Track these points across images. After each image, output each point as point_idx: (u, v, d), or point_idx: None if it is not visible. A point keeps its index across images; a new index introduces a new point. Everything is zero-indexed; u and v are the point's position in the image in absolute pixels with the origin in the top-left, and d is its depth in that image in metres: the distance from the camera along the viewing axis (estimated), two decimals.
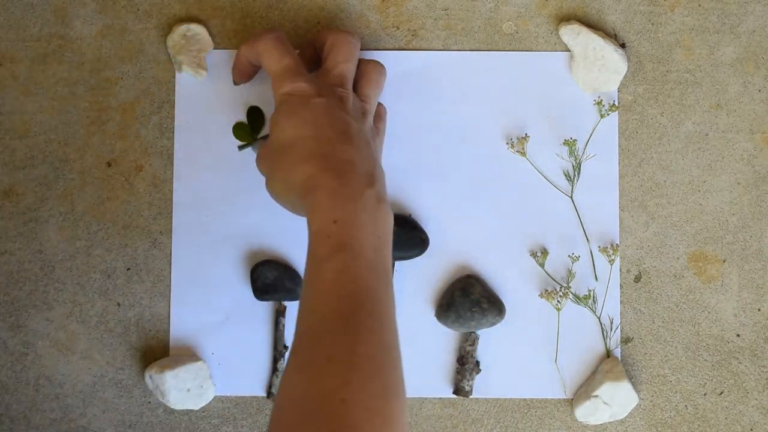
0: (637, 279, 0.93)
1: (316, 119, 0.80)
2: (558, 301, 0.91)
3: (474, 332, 0.91)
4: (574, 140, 0.92)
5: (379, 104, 0.90)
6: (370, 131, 0.85)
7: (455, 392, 0.91)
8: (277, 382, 0.91)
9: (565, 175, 0.93)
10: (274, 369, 0.92)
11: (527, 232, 0.93)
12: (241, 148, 0.93)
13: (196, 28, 0.93)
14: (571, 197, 0.93)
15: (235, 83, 0.91)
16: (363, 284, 0.73)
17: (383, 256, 0.76)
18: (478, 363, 0.92)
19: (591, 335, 0.92)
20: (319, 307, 0.72)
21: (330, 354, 0.69)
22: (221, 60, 0.94)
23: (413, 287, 0.92)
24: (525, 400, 0.92)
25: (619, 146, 0.93)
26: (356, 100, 0.85)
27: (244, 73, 0.90)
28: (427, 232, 0.92)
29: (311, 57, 0.90)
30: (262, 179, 0.93)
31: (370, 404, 0.68)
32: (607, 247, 0.92)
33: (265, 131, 0.93)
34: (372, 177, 0.79)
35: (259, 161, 0.85)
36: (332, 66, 0.85)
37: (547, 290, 0.92)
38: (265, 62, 0.85)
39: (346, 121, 0.81)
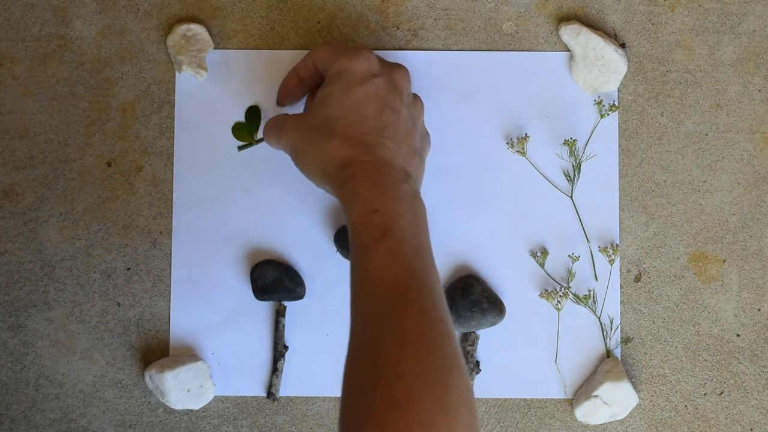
0: (637, 279, 0.93)
1: (368, 104, 0.81)
2: (558, 301, 0.91)
3: (474, 332, 0.91)
4: (574, 140, 0.92)
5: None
6: (420, 122, 0.85)
7: None
8: (277, 382, 0.92)
9: (565, 175, 0.93)
10: (274, 369, 0.92)
11: (527, 232, 0.93)
12: (240, 148, 0.93)
13: (196, 28, 0.93)
14: (571, 197, 0.93)
15: (280, 104, 0.91)
16: (408, 265, 0.73)
17: (424, 240, 0.77)
18: (478, 363, 0.92)
19: (591, 335, 0.92)
20: (369, 294, 0.73)
21: (382, 335, 0.69)
22: (221, 60, 0.94)
23: None
24: (525, 400, 0.92)
25: (619, 146, 0.93)
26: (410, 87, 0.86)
27: (291, 91, 0.89)
28: None
29: (311, 75, 0.88)
30: (262, 179, 0.93)
31: (430, 376, 0.67)
32: (607, 247, 0.92)
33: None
34: (407, 174, 0.80)
35: (287, 132, 0.84)
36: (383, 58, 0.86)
37: (547, 290, 0.92)
38: (322, 51, 0.84)
39: (397, 110, 0.82)
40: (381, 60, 0.85)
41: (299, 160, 0.83)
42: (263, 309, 0.93)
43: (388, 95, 0.82)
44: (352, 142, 0.79)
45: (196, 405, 0.92)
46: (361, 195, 0.77)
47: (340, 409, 0.70)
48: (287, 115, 0.86)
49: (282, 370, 0.92)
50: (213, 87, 0.94)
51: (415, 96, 0.87)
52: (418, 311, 0.71)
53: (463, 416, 0.67)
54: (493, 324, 0.91)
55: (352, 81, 0.81)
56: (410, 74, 0.86)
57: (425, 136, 0.87)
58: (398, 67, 0.85)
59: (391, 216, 0.75)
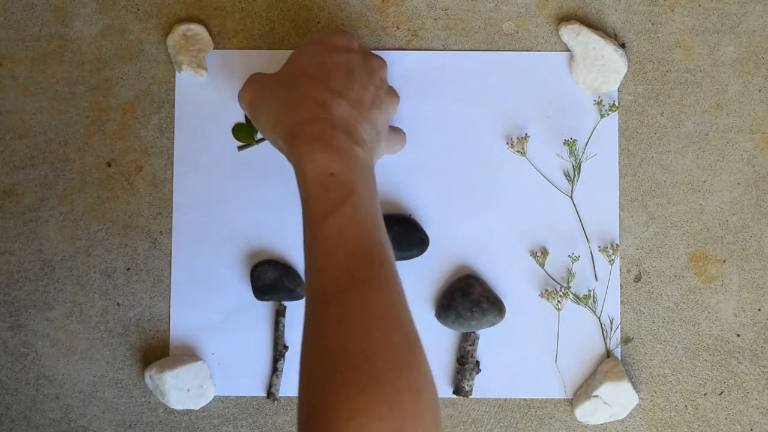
0: (637, 279, 0.93)
1: (336, 69, 0.79)
2: (558, 301, 0.91)
3: (474, 332, 0.91)
4: (574, 140, 0.92)
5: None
6: (386, 109, 0.83)
7: (455, 392, 0.91)
8: (277, 382, 0.92)
9: (565, 175, 0.93)
10: (274, 369, 0.92)
11: (527, 232, 0.93)
12: (240, 148, 0.93)
13: (196, 28, 0.93)
14: (571, 197, 0.93)
15: None
16: (368, 237, 0.70)
17: (378, 210, 0.74)
18: (478, 363, 0.92)
19: (591, 335, 0.92)
20: (327, 266, 0.69)
21: (346, 313, 0.67)
22: (221, 60, 0.94)
23: (413, 287, 0.92)
24: (525, 400, 0.92)
25: (619, 146, 0.93)
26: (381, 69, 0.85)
27: None
28: (427, 232, 0.92)
29: None
30: (263, 179, 0.93)
31: (396, 356, 0.66)
32: (607, 247, 0.92)
33: None
34: (362, 140, 0.77)
35: (250, 84, 0.81)
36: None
37: (547, 290, 0.92)
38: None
39: (364, 84, 0.80)
40: (363, 47, 0.84)
41: (255, 108, 0.80)
42: (263, 309, 0.93)
43: (359, 70, 0.81)
44: (311, 99, 0.76)
45: (196, 405, 0.92)
46: (314, 156, 0.73)
47: (299, 390, 0.67)
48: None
49: (282, 370, 0.92)
50: (213, 87, 0.94)
51: (392, 89, 0.86)
52: (380, 287, 0.68)
53: (427, 395, 0.66)
54: (493, 324, 0.91)
55: (326, 48, 0.81)
56: (387, 69, 0.86)
57: (387, 131, 0.85)
58: (378, 57, 0.85)
59: (348, 181, 0.72)
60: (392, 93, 0.86)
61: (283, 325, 0.92)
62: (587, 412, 0.91)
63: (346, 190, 0.71)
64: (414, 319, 0.70)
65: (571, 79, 0.93)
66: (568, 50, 0.93)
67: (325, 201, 0.71)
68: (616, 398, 0.90)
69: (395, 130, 0.89)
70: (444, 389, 0.92)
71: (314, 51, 0.81)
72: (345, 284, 0.68)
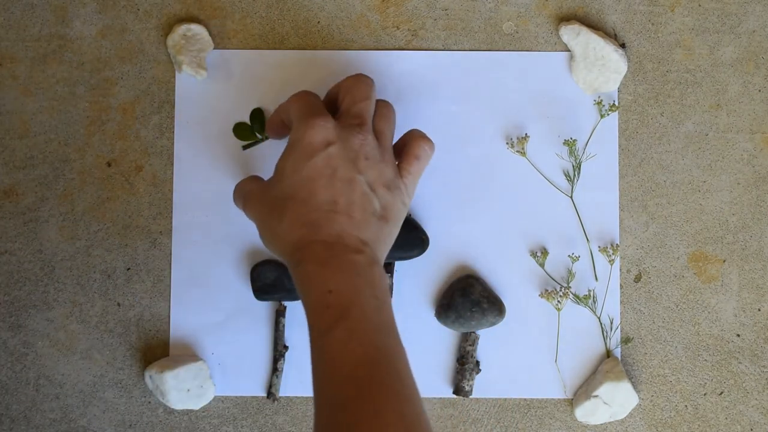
0: (637, 279, 0.93)
1: (318, 179, 0.78)
2: (558, 301, 0.91)
3: (474, 332, 0.91)
4: (574, 140, 0.92)
5: (417, 143, 0.84)
6: (383, 179, 0.80)
7: (455, 392, 0.91)
8: (276, 381, 0.92)
9: (565, 175, 0.93)
10: (274, 369, 0.92)
11: (527, 232, 0.93)
12: (245, 147, 0.93)
13: (196, 28, 0.93)
14: (571, 197, 0.93)
15: (268, 137, 0.91)
16: (372, 346, 0.71)
17: (386, 314, 0.74)
18: (478, 363, 0.92)
19: (591, 335, 0.92)
20: (332, 377, 0.70)
21: (354, 420, 0.67)
22: (221, 60, 0.94)
23: (413, 287, 0.92)
24: (525, 400, 0.92)
25: (619, 146, 0.93)
26: (374, 142, 0.81)
27: (275, 130, 0.87)
28: (427, 232, 0.92)
29: (332, 109, 0.85)
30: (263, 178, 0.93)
31: None
32: (607, 247, 0.92)
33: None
34: (362, 243, 0.77)
35: (248, 205, 0.82)
36: (350, 105, 0.82)
37: (547, 290, 0.92)
38: (291, 107, 0.82)
39: (349, 178, 0.78)
40: (342, 122, 0.81)
41: (261, 237, 0.82)
42: (263, 309, 0.93)
43: (341, 165, 0.78)
44: (301, 224, 0.77)
45: (196, 405, 0.92)
46: (313, 277, 0.74)
47: None
48: (251, 181, 0.84)
49: (282, 370, 0.92)
50: (213, 87, 0.94)
51: (384, 150, 0.82)
52: (387, 393, 0.69)
53: None
54: (493, 324, 0.91)
55: (304, 154, 0.78)
56: (371, 137, 0.81)
57: (397, 189, 0.81)
58: (358, 130, 0.80)
59: (347, 295, 0.73)
60: (385, 158, 0.81)
61: (283, 325, 0.92)
62: (587, 412, 0.91)
63: (345, 304, 0.73)
64: (426, 421, 0.70)
65: (571, 79, 0.93)
66: (568, 50, 0.93)
67: (326, 317, 0.73)
68: (616, 398, 0.90)
69: (381, 105, 0.85)
70: (444, 389, 0.92)
71: (293, 164, 0.79)
72: (351, 392, 0.69)
